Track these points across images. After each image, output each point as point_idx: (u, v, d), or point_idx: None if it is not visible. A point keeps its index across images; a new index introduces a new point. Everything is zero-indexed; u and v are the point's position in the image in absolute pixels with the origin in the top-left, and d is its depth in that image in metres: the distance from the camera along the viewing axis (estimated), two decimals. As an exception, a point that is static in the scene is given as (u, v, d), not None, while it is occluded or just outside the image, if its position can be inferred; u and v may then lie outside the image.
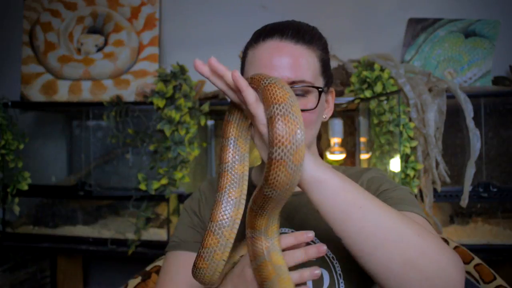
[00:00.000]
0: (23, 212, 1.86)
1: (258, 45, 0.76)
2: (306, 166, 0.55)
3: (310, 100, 0.74)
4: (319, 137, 0.95)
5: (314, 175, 0.56)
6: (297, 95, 0.73)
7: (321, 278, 0.71)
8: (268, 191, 0.53)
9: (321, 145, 0.99)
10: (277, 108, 0.52)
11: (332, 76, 0.83)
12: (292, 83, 0.72)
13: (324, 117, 0.82)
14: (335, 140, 1.69)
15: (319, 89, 0.73)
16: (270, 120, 0.52)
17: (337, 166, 0.91)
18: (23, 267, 1.86)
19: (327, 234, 0.75)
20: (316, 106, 0.73)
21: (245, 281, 0.62)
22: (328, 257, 0.74)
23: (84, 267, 2.02)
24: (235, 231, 0.60)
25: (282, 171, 0.51)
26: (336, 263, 0.73)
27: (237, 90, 0.58)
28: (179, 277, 0.78)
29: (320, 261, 0.73)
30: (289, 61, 0.72)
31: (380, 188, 0.75)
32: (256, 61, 0.75)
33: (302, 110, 0.72)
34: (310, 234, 0.60)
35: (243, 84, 0.56)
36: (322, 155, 0.96)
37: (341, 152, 1.70)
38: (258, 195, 0.56)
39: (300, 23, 0.79)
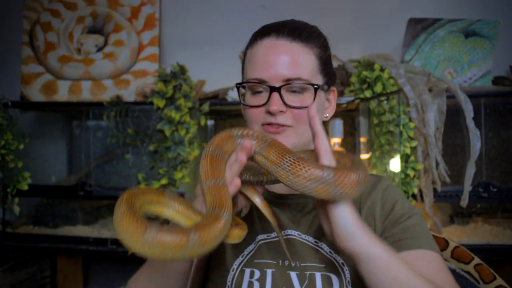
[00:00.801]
0: (23, 212, 1.85)
1: (256, 44, 0.77)
2: (359, 238, 0.58)
3: (307, 97, 0.74)
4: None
5: (368, 251, 0.58)
6: (293, 91, 0.74)
7: (330, 283, 0.72)
8: None
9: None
10: None
11: (334, 75, 0.83)
12: (287, 80, 0.72)
13: (326, 116, 0.82)
14: (335, 140, 1.69)
15: (315, 86, 0.74)
16: None
17: None
18: (23, 267, 1.86)
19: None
20: (313, 103, 0.73)
21: None
22: (338, 263, 0.74)
23: (84, 267, 2.02)
24: None
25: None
26: (346, 269, 0.73)
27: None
28: None
29: (329, 267, 0.73)
30: (285, 59, 0.73)
31: (395, 208, 0.75)
32: (253, 60, 0.76)
33: (298, 107, 0.73)
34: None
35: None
36: None
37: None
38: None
39: (298, 22, 0.79)
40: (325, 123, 0.85)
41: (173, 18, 2.03)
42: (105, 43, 1.90)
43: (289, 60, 0.73)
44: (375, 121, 1.57)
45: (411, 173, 1.49)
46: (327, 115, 0.82)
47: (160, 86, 1.63)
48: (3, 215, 1.83)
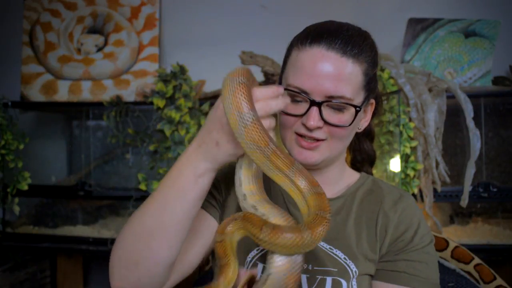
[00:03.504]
0: (23, 212, 1.85)
1: (304, 48, 0.72)
2: None
3: (346, 115, 0.72)
4: (371, 138, 0.93)
5: None
6: (333, 108, 0.71)
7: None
8: None
9: (374, 147, 0.97)
10: None
11: (376, 88, 0.80)
12: (330, 97, 0.70)
13: (359, 128, 0.79)
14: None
15: (357, 108, 0.71)
16: None
17: (375, 178, 0.87)
18: (23, 267, 1.86)
19: (347, 246, 0.75)
20: (351, 124, 0.72)
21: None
22: (352, 270, 0.73)
23: (84, 267, 2.02)
24: None
25: None
26: (354, 278, 0.73)
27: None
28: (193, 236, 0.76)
29: (342, 272, 0.73)
30: (331, 74, 0.69)
31: (407, 232, 0.74)
32: (298, 65, 0.72)
33: (336, 126, 0.71)
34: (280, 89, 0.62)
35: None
36: (373, 158, 0.94)
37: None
38: None
39: (353, 30, 0.74)
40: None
41: (173, 18, 2.03)
42: (105, 43, 1.90)
43: (335, 75, 0.69)
44: (375, 121, 1.57)
45: (411, 173, 1.49)
46: (361, 127, 0.80)
47: (160, 86, 1.63)
48: (3, 215, 1.83)
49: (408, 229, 0.75)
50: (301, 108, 0.71)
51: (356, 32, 0.74)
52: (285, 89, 0.73)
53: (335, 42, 0.70)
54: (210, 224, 0.78)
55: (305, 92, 0.70)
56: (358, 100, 0.73)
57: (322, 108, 0.70)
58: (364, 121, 0.80)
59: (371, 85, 0.76)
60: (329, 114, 0.71)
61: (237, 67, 0.62)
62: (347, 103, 0.70)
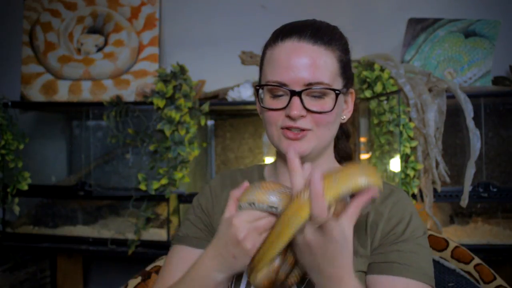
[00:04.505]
0: (23, 212, 1.85)
1: (276, 45, 0.76)
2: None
3: (327, 102, 0.73)
4: (348, 136, 0.94)
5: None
6: (314, 96, 0.73)
7: None
8: None
9: (350, 145, 0.97)
10: None
11: (353, 77, 0.82)
12: (309, 85, 0.72)
13: (343, 118, 0.81)
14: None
15: (336, 91, 0.73)
16: None
17: None
18: (23, 267, 1.86)
19: None
20: (333, 108, 0.73)
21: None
22: None
23: (84, 267, 2.02)
24: None
25: None
26: None
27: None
28: (177, 271, 0.79)
29: None
30: (306, 62, 0.72)
31: (397, 227, 0.74)
32: (274, 61, 0.75)
33: (319, 112, 0.72)
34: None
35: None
36: (351, 155, 0.95)
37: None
38: None
39: (320, 23, 0.78)
40: (341, 125, 0.84)
41: (173, 18, 2.03)
42: (105, 43, 1.90)
43: (311, 63, 0.72)
44: (375, 121, 1.57)
45: (411, 173, 1.49)
46: (344, 117, 0.81)
47: (160, 86, 1.63)
48: (3, 215, 1.83)
49: (400, 222, 0.74)
50: (283, 101, 0.74)
51: (324, 24, 0.79)
52: (265, 84, 0.75)
53: (305, 33, 0.74)
54: None
55: (284, 84, 0.73)
56: (336, 87, 0.75)
57: (303, 97, 0.72)
58: (347, 111, 0.82)
59: (347, 73, 0.78)
60: (311, 102, 0.73)
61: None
62: (326, 88, 0.73)
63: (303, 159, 0.74)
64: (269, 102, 0.75)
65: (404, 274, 0.69)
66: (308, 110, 0.72)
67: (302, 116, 0.72)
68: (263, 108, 0.77)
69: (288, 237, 0.60)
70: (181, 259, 0.81)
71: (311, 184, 0.56)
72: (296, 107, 0.71)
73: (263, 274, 0.64)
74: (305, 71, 0.72)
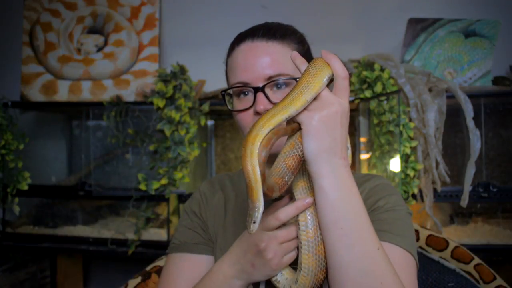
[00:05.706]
0: (23, 212, 1.85)
1: (233, 52, 0.80)
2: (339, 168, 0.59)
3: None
4: None
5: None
6: (278, 88, 0.75)
7: None
8: None
9: None
10: None
11: None
12: (269, 78, 0.74)
13: None
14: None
15: (296, 79, 0.74)
16: None
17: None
18: (23, 267, 1.86)
19: None
20: None
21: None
22: None
23: (84, 267, 2.02)
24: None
25: None
26: None
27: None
28: (180, 279, 0.78)
29: None
30: (263, 59, 0.75)
31: (377, 203, 0.74)
32: (234, 66, 0.78)
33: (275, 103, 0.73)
34: (308, 200, 0.62)
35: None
36: None
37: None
38: None
39: (272, 23, 0.81)
40: None
41: (173, 18, 2.03)
42: (105, 43, 1.90)
43: (268, 58, 0.75)
44: (375, 121, 1.57)
45: (411, 173, 1.49)
46: None
47: (160, 86, 1.63)
48: (3, 215, 1.83)
49: (379, 200, 0.74)
50: (249, 101, 0.76)
51: (276, 23, 0.81)
52: (230, 88, 0.78)
53: (258, 33, 0.77)
54: (212, 261, 0.82)
55: (246, 83, 0.75)
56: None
57: (266, 91, 0.74)
58: None
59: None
60: (275, 95, 0.75)
61: None
62: (287, 79, 0.74)
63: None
64: (237, 104, 0.78)
65: (383, 238, 0.67)
66: (273, 103, 0.73)
67: None
68: (233, 112, 0.79)
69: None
70: (183, 268, 0.80)
71: None
72: (261, 102, 0.73)
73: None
74: (264, 66, 0.74)
